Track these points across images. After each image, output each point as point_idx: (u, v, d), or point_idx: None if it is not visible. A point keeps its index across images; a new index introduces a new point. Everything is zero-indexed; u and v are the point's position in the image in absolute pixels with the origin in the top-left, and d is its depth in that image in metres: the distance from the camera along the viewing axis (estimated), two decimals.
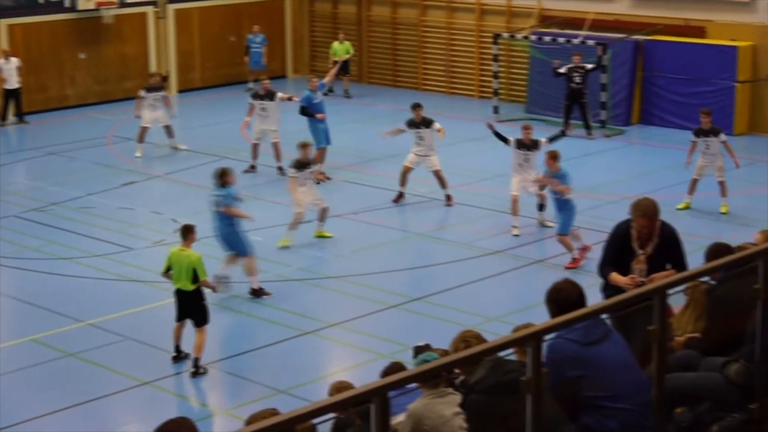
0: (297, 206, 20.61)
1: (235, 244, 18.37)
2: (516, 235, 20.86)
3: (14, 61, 30.86)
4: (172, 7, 34.59)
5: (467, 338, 8.89)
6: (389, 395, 5.46)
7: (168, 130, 27.77)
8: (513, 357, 7.34)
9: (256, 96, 25.57)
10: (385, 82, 35.41)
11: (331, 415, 6.72)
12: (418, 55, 34.92)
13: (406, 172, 23.18)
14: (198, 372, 15.64)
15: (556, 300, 7.25)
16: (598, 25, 29.94)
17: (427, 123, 23.18)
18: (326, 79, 26.87)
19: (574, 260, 19.25)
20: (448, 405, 8.15)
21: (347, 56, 33.61)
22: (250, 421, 8.67)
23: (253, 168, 25.61)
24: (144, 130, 27.24)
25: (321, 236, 21.09)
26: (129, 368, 15.87)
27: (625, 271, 10.48)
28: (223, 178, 18.32)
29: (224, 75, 35.77)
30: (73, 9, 32.54)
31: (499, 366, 6.66)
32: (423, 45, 34.78)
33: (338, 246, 20.98)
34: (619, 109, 29.67)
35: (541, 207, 21.55)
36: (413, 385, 8.14)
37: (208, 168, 26.13)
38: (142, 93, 27.40)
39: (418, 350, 9.82)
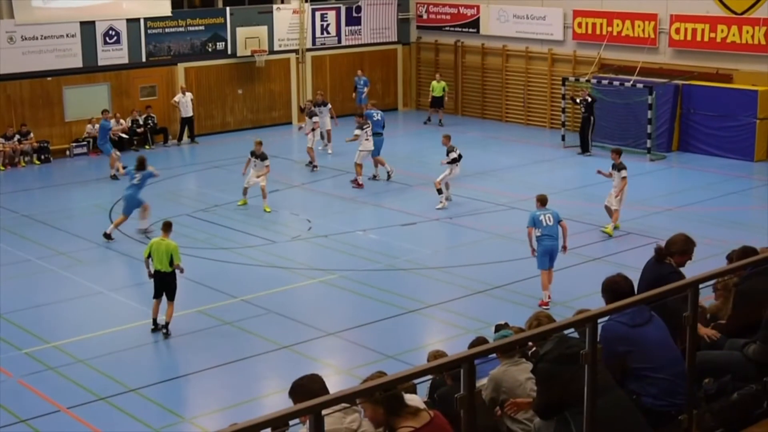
0: None
1: None
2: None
3: (189, 95, 31.43)
4: (309, 54, 34.87)
5: (539, 318, 8.82)
6: (475, 362, 5.45)
7: (328, 134, 29.32)
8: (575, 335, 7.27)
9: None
10: (475, 114, 35.21)
11: (429, 377, 6.71)
12: (501, 93, 34.72)
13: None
14: (168, 334, 15.82)
15: (610, 290, 7.17)
16: (646, 71, 29.45)
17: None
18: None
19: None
20: (522, 371, 8.11)
21: (443, 93, 33.72)
22: (364, 381, 8.69)
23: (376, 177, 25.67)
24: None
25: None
26: (272, 335, 16.04)
27: None
28: None
29: (348, 107, 35.96)
30: (233, 55, 33.02)
31: (563, 341, 6.58)
32: (506, 86, 34.56)
33: (437, 243, 20.95)
34: (661, 139, 29.14)
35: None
36: (494, 355, 8.12)
37: (335, 180, 26.33)
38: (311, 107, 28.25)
39: (498, 327, 9.78)
